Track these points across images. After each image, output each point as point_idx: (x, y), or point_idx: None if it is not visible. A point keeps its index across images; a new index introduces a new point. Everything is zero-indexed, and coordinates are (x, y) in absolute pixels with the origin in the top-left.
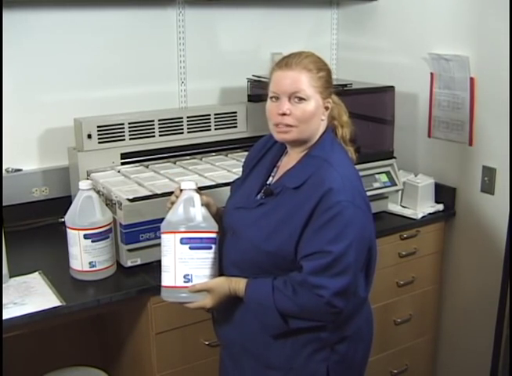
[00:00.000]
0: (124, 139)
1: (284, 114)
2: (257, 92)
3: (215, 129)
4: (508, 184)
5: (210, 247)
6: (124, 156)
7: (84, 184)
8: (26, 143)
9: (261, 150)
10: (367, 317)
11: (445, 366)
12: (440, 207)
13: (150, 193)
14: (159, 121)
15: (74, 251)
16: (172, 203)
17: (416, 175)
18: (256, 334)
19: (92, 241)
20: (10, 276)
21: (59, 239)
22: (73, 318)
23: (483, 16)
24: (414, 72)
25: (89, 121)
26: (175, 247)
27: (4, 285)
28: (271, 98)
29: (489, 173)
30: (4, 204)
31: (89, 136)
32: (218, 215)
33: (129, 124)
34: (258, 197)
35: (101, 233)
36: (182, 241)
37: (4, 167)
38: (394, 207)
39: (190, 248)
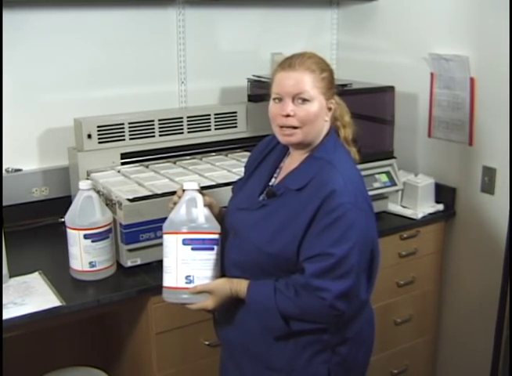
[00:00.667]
0: (124, 139)
1: (288, 116)
2: (257, 92)
3: (215, 129)
4: (508, 184)
5: (213, 249)
6: (124, 156)
7: (84, 184)
8: (26, 143)
9: (264, 150)
10: (368, 319)
11: (445, 366)
12: (440, 207)
13: (150, 193)
14: (159, 121)
15: (74, 251)
16: (174, 203)
17: (416, 175)
18: (257, 336)
19: (92, 241)
20: (10, 276)
21: (59, 239)
22: (73, 318)
23: (483, 16)
24: (414, 72)
25: (89, 121)
26: (177, 247)
27: (4, 285)
28: (274, 99)
29: (489, 173)
30: (4, 204)
31: (89, 136)
32: (220, 216)
33: (129, 124)
34: (261, 198)
35: (101, 233)
36: (184, 242)
37: (4, 167)
38: (394, 207)
39: (192, 249)
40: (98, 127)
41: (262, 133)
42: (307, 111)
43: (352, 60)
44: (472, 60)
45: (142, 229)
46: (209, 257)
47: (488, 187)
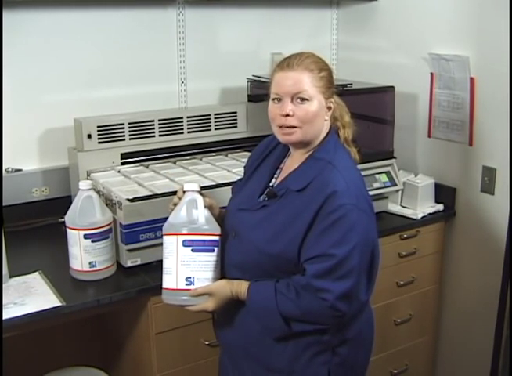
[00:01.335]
0: (124, 139)
1: (287, 115)
2: (257, 92)
3: (215, 129)
4: (508, 184)
5: (213, 250)
6: (124, 156)
7: (84, 184)
8: (26, 143)
9: (264, 151)
10: (368, 319)
11: (445, 367)
12: (440, 207)
13: (150, 193)
14: (159, 121)
15: (74, 251)
16: (175, 204)
17: (416, 175)
18: (257, 337)
19: (92, 241)
20: (10, 276)
21: (59, 239)
22: (73, 318)
23: (483, 16)
24: (414, 72)
25: (89, 121)
26: (177, 249)
27: (4, 285)
28: (273, 99)
29: (489, 173)
30: (4, 204)
31: (89, 136)
32: (220, 217)
33: (129, 124)
34: (261, 198)
35: (101, 233)
36: (185, 243)
37: (4, 167)
38: (394, 207)
39: (192, 251)
40: (98, 127)
41: (262, 133)
42: (306, 110)
43: (352, 60)
44: (472, 60)
45: (142, 229)
46: (209, 258)
47: (488, 187)
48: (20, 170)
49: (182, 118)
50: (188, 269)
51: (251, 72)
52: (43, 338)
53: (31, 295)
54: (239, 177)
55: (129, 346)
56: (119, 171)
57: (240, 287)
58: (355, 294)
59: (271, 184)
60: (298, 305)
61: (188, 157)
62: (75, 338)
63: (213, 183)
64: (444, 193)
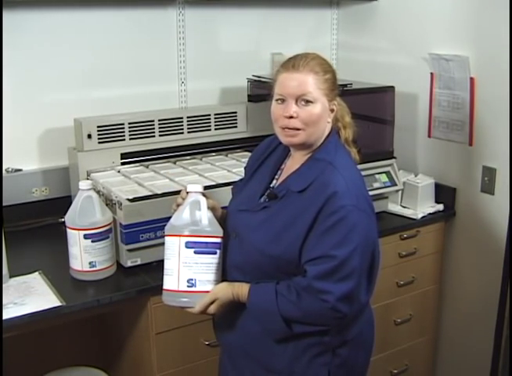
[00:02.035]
0: (124, 139)
1: (291, 117)
2: (257, 92)
3: (215, 129)
4: (508, 184)
5: (215, 252)
6: (124, 156)
7: (84, 184)
8: (26, 143)
9: (265, 151)
10: (368, 320)
11: (445, 366)
12: (440, 207)
13: (150, 193)
14: (159, 121)
15: (74, 251)
16: (178, 205)
17: (416, 175)
18: (257, 338)
19: (92, 241)
20: (10, 276)
21: (59, 239)
22: (73, 318)
23: (483, 16)
24: (414, 72)
25: (89, 121)
26: (180, 250)
27: (4, 285)
28: (276, 100)
29: (489, 173)
30: (4, 204)
31: (89, 136)
32: (222, 218)
33: (129, 124)
34: (262, 199)
35: (101, 233)
36: (187, 245)
37: (4, 167)
38: (394, 207)
39: (195, 252)
40: (98, 127)
41: (262, 133)
42: (310, 113)
43: (352, 60)
44: (472, 60)
45: (142, 229)
46: (211, 261)
47: (488, 187)
48: (20, 170)
49: (182, 118)
50: (190, 271)
51: (251, 72)
52: (43, 338)
53: (31, 295)
54: (239, 177)
55: (129, 346)
56: (119, 171)
57: (241, 290)
58: (356, 295)
59: (271, 185)
60: (299, 306)
61: (188, 157)
62: (75, 337)
63: (213, 183)
64: (444, 193)
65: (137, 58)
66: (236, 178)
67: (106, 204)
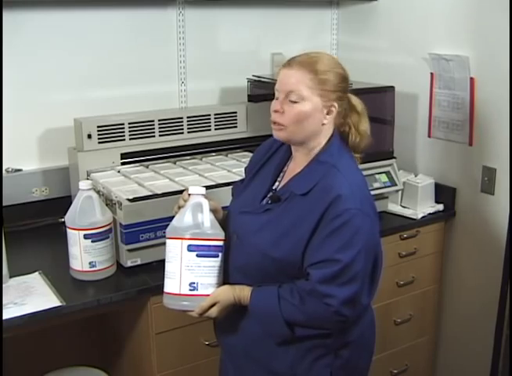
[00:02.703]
0: (124, 139)
1: (277, 111)
2: (257, 92)
3: (215, 129)
4: (508, 184)
5: (217, 255)
6: (124, 156)
7: (84, 184)
8: (26, 143)
9: (266, 153)
10: (370, 322)
11: (445, 366)
12: (440, 207)
13: (150, 193)
14: (159, 121)
15: (74, 251)
16: (180, 207)
17: (416, 175)
18: (258, 340)
19: (92, 241)
20: (10, 276)
21: (59, 239)
22: (73, 318)
23: (483, 16)
24: (414, 72)
25: (89, 121)
26: (182, 253)
27: (4, 285)
28: (275, 95)
29: (489, 173)
30: (4, 204)
31: (89, 136)
32: (223, 220)
33: (129, 124)
34: (264, 201)
35: (101, 233)
36: (190, 248)
37: (4, 167)
38: (394, 208)
39: (197, 256)
40: (98, 127)
41: (262, 133)
42: (294, 111)
43: (352, 60)
44: (472, 60)
45: (142, 229)
46: (214, 264)
47: (488, 187)
48: (20, 170)
49: (181, 118)
50: (192, 275)
51: (251, 72)
52: (43, 338)
53: (31, 295)
54: (239, 177)
55: (129, 346)
56: (119, 171)
57: (243, 293)
58: (359, 299)
59: (274, 187)
60: (302, 310)
61: (188, 157)
62: (75, 338)
63: (213, 183)
64: (444, 193)
65: (137, 58)
66: (236, 178)
67: (106, 204)
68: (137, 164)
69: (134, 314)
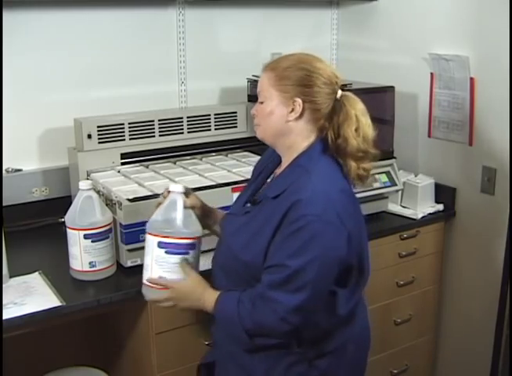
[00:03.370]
0: (124, 139)
1: (253, 114)
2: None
3: (215, 129)
4: (508, 184)
5: (187, 253)
6: (124, 156)
7: (84, 184)
8: (26, 143)
9: (271, 156)
10: (355, 333)
11: (445, 366)
12: (440, 207)
13: (150, 193)
14: (159, 121)
15: (74, 251)
16: (159, 204)
17: (416, 175)
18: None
19: (92, 241)
20: (10, 276)
21: (59, 239)
22: (73, 318)
23: (483, 16)
24: (414, 72)
25: (89, 121)
26: (153, 249)
27: (4, 285)
28: None
29: (489, 173)
30: (4, 204)
31: (89, 136)
32: (212, 218)
33: (129, 124)
34: (248, 204)
35: (101, 233)
36: (160, 245)
37: (4, 167)
38: (394, 208)
39: (166, 252)
40: (98, 127)
41: None
42: (261, 110)
43: (352, 60)
44: (472, 60)
45: (142, 229)
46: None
47: (488, 187)
48: (20, 170)
49: (181, 118)
50: (161, 269)
51: (251, 72)
52: (43, 338)
53: (31, 295)
54: (239, 177)
55: (129, 346)
56: (119, 171)
57: (210, 296)
58: (311, 308)
59: (261, 190)
60: (252, 316)
61: (188, 157)
62: (75, 337)
63: (213, 183)
64: (444, 193)
65: (137, 58)
66: (236, 178)
67: (106, 204)
68: (137, 164)
69: (134, 314)
